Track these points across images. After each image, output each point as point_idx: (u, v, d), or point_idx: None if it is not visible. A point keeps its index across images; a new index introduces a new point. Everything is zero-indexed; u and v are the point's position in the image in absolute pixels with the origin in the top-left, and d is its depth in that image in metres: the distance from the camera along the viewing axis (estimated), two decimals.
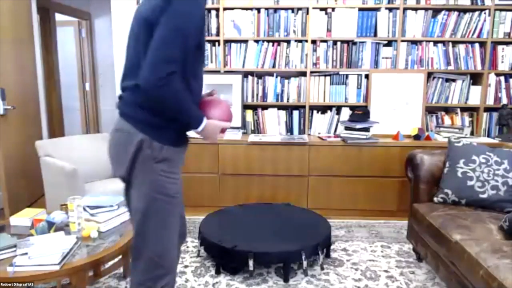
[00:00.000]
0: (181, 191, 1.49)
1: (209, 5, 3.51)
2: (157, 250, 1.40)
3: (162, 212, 1.40)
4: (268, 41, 3.53)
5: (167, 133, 1.40)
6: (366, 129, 3.32)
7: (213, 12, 3.52)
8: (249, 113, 3.65)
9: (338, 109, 3.62)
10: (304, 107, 3.60)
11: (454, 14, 3.41)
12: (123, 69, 1.48)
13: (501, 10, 3.38)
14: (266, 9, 3.49)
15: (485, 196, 2.27)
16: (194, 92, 1.43)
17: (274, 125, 3.64)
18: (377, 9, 3.44)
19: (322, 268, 2.49)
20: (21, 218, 2.28)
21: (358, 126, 3.29)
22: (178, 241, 1.55)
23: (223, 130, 1.51)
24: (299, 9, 3.49)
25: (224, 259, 2.42)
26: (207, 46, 3.58)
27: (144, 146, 1.36)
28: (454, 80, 3.52)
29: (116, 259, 2.20)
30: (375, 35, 3.47)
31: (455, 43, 3.49)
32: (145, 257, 1.40)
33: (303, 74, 3.57)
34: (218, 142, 3.37)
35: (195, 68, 1.41)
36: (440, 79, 3.51)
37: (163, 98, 1.29)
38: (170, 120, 1.38)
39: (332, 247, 2.75)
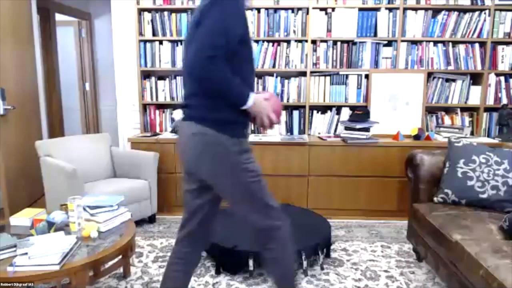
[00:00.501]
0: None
1: None
2: (261, 208, 1.67)
3: (257, 188, 1.66)
4: (268, 41, 3.53)
5: (238, 128, 1.58)
6: (366, 129, 3.32)
7: None
8: None
9: (338, 109, 3.62)
10: (304, 107, 3.60)
11: (454, 14, 3.42)
12: (183, 78, 1.68)
13: (501, 10, 3.38)
14: (266, 9, 3.49)
15: (485, 196, 2.27)
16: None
17: (274, 125, 3.64)
18: (377, 9, 3.44)
19: (322, 268, 2.49)
20: (21, 218, 2.28)
21: (358, 126, 3.29)
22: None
23: (271, 123, 1.65)
24: (299, 9, 3.49)
25: (224, 259, 2.42)
26: None
27: (228, 143, 1.54)
28: (454, 80, 3.52)
29: (116, 259, 2.20)
30: (375, 35, 3.47)
31: (455, 43, 3.49)
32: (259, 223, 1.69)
33: (303, 74, 3.57)
34: None
35: (241, 65, 1.56)
36: (440, 79, 3.51)
37: (209, 78, 1.44)
38: (232, 110, 1.54)
39: (332, 247, 2.75)
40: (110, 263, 2.18)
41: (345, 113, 3.58)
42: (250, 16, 3.50)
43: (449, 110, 3.64)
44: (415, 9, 3.44)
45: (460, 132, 3.43)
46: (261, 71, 3.60)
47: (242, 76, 1.54)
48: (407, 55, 3.49)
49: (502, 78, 3.49)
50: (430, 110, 3.63)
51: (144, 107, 3.75)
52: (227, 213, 2.94)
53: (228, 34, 1.45)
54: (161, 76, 3.73)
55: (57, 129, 4.88)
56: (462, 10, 3.42)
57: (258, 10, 3.50)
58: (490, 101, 3.52)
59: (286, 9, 3.49)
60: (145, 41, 3.62)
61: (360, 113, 3.36)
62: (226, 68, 1.46)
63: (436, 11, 3.45)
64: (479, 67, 3.48)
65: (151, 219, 3.28)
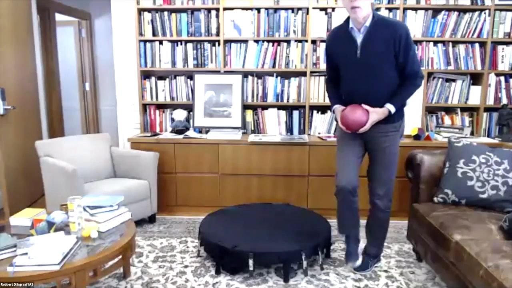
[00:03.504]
0: None
1: (209, 5, 3.51)
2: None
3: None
4: (268, 41, 3.53)
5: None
6: None
7: (213, 12, 3.52)
8: (249, 113, 3.65)
9: None
10: (304, 107, 3.60)
11: (454, 14, 3.42)
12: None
13: (501, 10, 3.38)
14: (266, 9, 3.49)
15: (485, 196, 2.27)
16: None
17: (274, 125, 3.65)
18: (377, 9, 3.44)
19: (322, 268, 2.49)
20: (21, 218, 2.28)
21: None
22: None
23: (349, 126, 2.25)
24: (299, 9, 3.49)
25: (224, 259, 2.42)
26: (207, 46, 3.59)
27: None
28: (454, 80, 3.52)
29: (116, 259, 2.20)
30: None
31: (455, 43, 3.49)
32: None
33: (303, 74, 3.57)
34: (218, 142, 3.38)
35: (340, 81, 2.40)
36: (440, 79, 3.51)
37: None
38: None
39: (332, 247, 2.75)
40: (110, 263, 2.18)
41: None
42: (250, 16, 3.50)
43: (449, 110, 3.64)
44: (415, 9, 3.44)
45: (460, 132, 3.43)
46: (261, 71, 3.60)
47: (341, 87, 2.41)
48: None
49: (502, 78, 3.49)
50: (430, 110, 3.63)
51: (144, 107, 3.75)
52: (227, 213, 2.95)
53: (326, 64, 2.51)
54: (161, 76, 3.73)
55: (57, 129, 4.88)
56: (462, 10, 3.42)
57: (258, 10, 3.50)
58: (490, 101, 3.52)
59: (286, 9, 3.49)
60: (145, 41, 3.62)
61: None
62: (329, 86, 2.53)
63: (436, 11, 3.45)
64: (479, 67, 3.48)
65: (151, 219, 3.28)
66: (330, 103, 2.41)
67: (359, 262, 2.46)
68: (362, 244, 2.56)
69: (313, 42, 3.50)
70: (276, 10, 3.49)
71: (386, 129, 2.25)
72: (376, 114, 2.19)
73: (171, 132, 3.60)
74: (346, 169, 2.28)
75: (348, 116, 2.21)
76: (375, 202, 2.37)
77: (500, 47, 3.46)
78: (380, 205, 2.35)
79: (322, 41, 3.50)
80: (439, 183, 2.44)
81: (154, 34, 3.61)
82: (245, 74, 3.60)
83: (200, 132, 3.65)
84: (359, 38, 2.18)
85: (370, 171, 2.39)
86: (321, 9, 3.47)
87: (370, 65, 2.17)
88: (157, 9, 3.56)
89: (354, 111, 2.21)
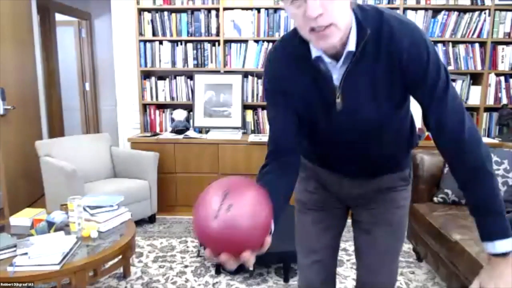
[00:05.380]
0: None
1: (209, 5, 3.51)
2: None
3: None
4: (268, 41, 3.53)
5: None
6: None
7: (213, 12, 3.52)
8: (249, 113, 3.65)
9: None
10: None
11: (454, 14, 3.41)
12: None
13: (501, 10, 3.38)
14: (266, 9, 3.49)
15: None
16: None
17: None
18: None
19: None
20: (21, 218, 2.27)
21: None
22: None
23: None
24: None
25: None
26: (207, 46, 3.59)
27: None
28: (454, 80, 3.51)
29: (116, 259, 2.20)
30: None
31: (455, 43, 3.49)
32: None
33: None
34: (218, 142, 3.38)
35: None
36: None
37: None
38: None
39: None
40: (110, 263, 2.18)
41: None
42: (250, 16, 3.50)
43: None
44: (415, 9, 3.44)
45: None
46: (261, 71, 3.59)
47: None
48: None
49: (502, 78, 3.48)
50: None
51: (144, 107, 3.74)
52: None
53: None
54: (161, 76, 3.72)
55: (57, 129, 4.88)
56: (462, 10, 3.42)
57: (258, 10, 3.50)
58: (490, 101, 3.52)
59: None
60: (145, 41, 3.62)
61: None
62: None
63: (436, 11, 3.44)
64: (479, 67, 3.48)
65: (151, 219, 3.28)
66: None
67: None
68: None
69: None
70: (276, 10, 3.49)
71: (391, 183, 1.24)
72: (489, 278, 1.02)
73: (171, 132, 3.60)
74: (316, 265, 1.37)
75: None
76: None
77: (500, 47, 3.46)
78: None
79: None
80: (439, 183, 2.44)
81: (154, 34, 3.61)
82: (245, 74, 3.60)
83: (200, 132, 3.65)
84: (336, 73, 1.00)
85: (358, 252, 1.33)
86: None
87: (363, 121, 1.06)
88: (157, 9, 3.56)
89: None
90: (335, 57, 0.97)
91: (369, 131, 1.08)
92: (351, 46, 0.95)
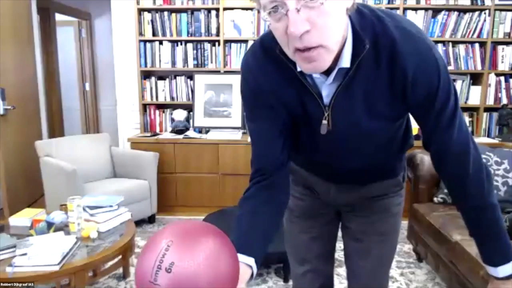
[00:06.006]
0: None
1: (209, 5, 3.51)
2: None
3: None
4: None
5: None
6: None
7: (213, 12, 3.52)
8: None
9: None
10: None
11: (454, 14, 3.41)
12: None
13: (501, 10, 3.38)
14: None
15: None
16: None
17: None
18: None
19: None
20: (21, 218, 2.28)
21: None
22: None
23: None
24: None
25: None
26: (207, 46, 3.58)
27: None
28: (454, 80, 3.51)
29: (116, 260, 2.20)
30: None
31: (455, 43, 3.49)
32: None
33: None
34: (218, 142, 3.38)
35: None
36: None
37: None
38: None
39: None
40: (110, 263, 2.17)
41: None
42: (250, 16, 3.50)
43: None
44: (415, 9, 3.44)
45: None
46: None
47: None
48: None
49: (502, 78, 3.48)
50: None
51: (144, 107, 3.74)
52: (227, 213, 2.94)
53: None
54: (161, 76, 3.72)
55: (57, 129, 4.88)
56: (462, 10, 3.42)
57: (258, 10, 3.49)
58: (490, 101, 3.51)
59: None
60: (145, 41, 3.61)
61: None
62: None
63: (436, 11, 3.44)
64: (479, 67, 3.48)
65: (151, 219, 3.28)
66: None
67: None
68: None
69: None
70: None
71: (382, 190, 1.15)
72: None
73: (171, 132, 3.60)
74: (309, 274, 1.34)
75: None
76: None
77: (500, 47, 3.46)
78: None
79: None
80: (439, 183, 2.44)
81: (154, 34, 3.61)
82: None
83: (200, 132, 3.64)
84: (326, 90, 0.88)
85: (349, 261, 1.39)
86: None
87: (354, 139, 0.96)
88: (157, 9, 3.55)
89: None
90: (326, 71, 0.80)
91: (359, 148, 0.99)
92: (346, 62, 0.80)
